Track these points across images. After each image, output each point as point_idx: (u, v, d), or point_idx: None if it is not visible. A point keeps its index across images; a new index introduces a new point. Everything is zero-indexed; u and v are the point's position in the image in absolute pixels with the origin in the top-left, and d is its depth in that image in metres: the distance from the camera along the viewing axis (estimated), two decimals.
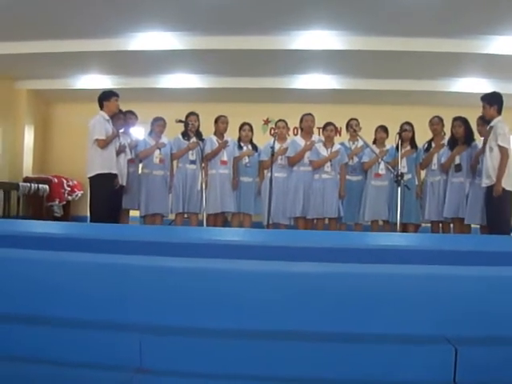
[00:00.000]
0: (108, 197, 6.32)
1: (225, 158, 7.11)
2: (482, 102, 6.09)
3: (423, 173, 7.22)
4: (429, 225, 7.05)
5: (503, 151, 5.85)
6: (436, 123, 6.94)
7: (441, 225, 6.93)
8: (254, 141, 7.38)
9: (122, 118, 6.93)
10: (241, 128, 7.28)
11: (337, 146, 7.07)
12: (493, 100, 6.06)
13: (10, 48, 8.41)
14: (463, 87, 9.46)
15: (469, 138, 6.64)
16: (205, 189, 6.76)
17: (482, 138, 6.42)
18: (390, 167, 6.62)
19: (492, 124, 6.00)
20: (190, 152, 7.07)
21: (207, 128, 7.33)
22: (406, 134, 6.85)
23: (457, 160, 6.60)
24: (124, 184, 6.74)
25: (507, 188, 5.87)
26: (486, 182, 5.99)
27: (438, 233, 6.85)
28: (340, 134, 8.82)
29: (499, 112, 6.03)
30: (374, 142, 7.18)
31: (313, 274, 2.78)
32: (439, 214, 6.74)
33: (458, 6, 6.67)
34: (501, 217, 5.90)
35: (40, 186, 9.92)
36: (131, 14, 7.29)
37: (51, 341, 2.60)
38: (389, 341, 2.56)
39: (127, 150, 6.82)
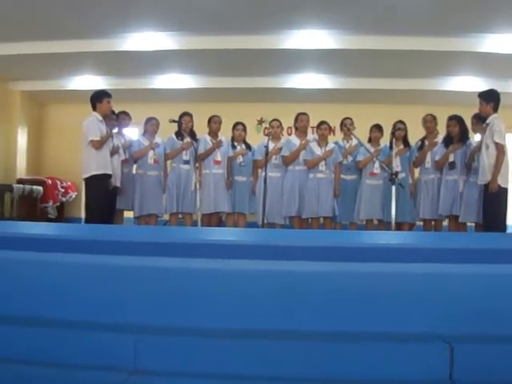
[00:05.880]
0: (104, 197, 6.29)
1: (218, 158, 7.08)
2: (479, 99, 6.11)
3: (417, 171, 7.21)
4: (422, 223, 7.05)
5: (499, 148, 5.87)
6: (429, 121, 6.93)
7: (433, 223, 6.94)
8: (249, 141, 7.36)
9: (115, 118, 6.91)
10: (234, 127, 7.26)
11: (331, 145, 7.05)
12: (489, 97, 6.08)
13: (3, 49, 8.34)
14: (457, 86, 9.45)
15: (464, 137, 6.65)
16: (199, 189, 6.75)
17: (475, 135, 6.44)
18: (384, 166, 6.60)
19: (488, 121, 6.01)
20: (184, 152, 7.05)
21: (201, 128, 7.30)
22: (399, 132, 6.85)
23: (451, 158, 6.61)
24: (118, 185, 6.72)
25: (503, 185, 5.89)
26: (482, 180, 6.00)
27: (431, 231, 6.85)
28: (334, 133, 8.81)
29: (495, 109, 6.05)
30: (369, 141, 7.16)
31: (308, 273, 2.78)
32: (433, 212, 6.75)
33: (452, 4, 6.66)
34: (496, 214, 5.92)
35: (34, 187, 9.86)
36: (124, 14, 7.26)
37: (45, 342, 2.58)
38: (385, 339, 2.56)
39: (121, 150, 6.79)
